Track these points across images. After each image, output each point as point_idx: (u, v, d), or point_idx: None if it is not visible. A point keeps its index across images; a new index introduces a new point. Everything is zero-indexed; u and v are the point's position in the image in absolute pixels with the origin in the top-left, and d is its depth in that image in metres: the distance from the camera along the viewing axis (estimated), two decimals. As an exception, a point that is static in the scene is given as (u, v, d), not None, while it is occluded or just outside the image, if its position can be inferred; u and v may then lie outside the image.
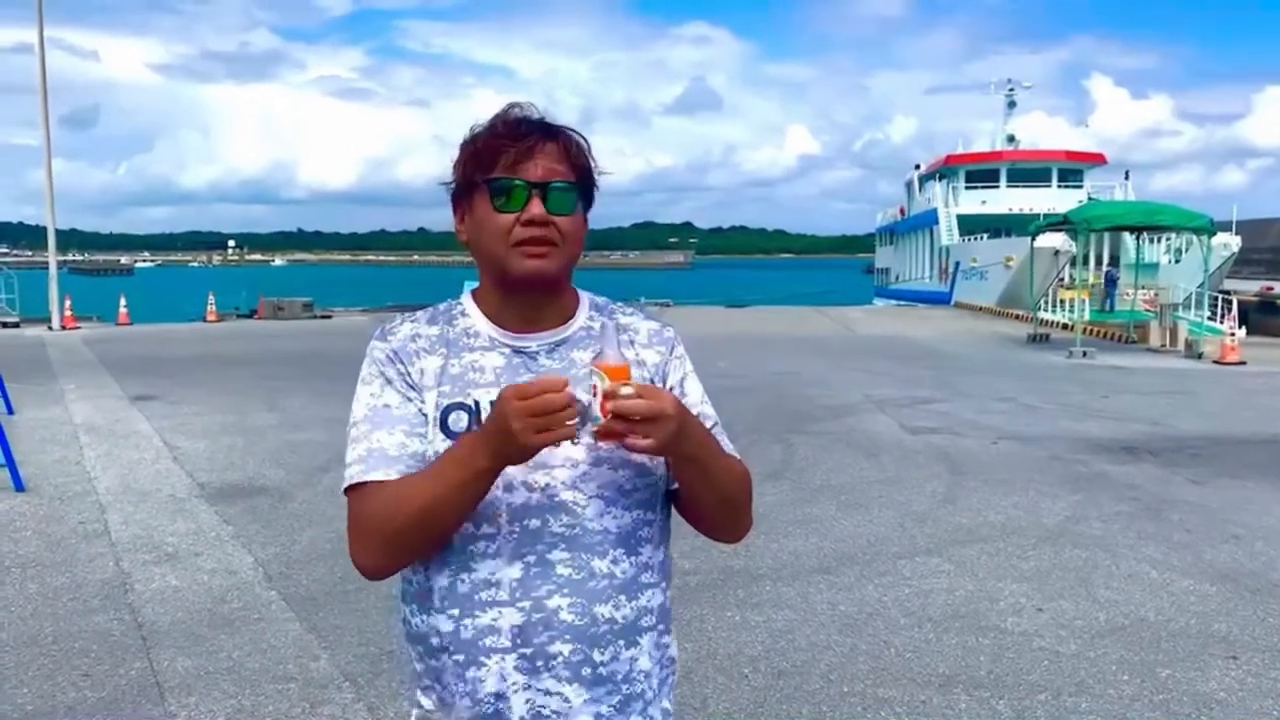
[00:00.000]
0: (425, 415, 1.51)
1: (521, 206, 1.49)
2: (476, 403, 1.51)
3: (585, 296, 1.65)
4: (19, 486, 7.39)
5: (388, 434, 1.50)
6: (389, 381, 1.54)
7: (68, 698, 4.04)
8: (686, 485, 1.55)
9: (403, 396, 1.52)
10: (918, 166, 47.39)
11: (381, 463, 1.48)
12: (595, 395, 1.41)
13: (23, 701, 4.00)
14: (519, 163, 1.49)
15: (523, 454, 1.39)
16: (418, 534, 1.46)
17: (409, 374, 1.54)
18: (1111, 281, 24.70)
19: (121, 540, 6.21)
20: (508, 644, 1.49)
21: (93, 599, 5.18)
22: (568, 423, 1.36)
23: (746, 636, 4.75)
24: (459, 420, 1.51)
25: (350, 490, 1.51)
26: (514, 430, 1.35)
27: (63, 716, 3.89)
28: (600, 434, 1.42)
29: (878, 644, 4.67)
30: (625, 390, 1.39)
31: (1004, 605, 5.20)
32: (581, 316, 1.60)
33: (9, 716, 3.89)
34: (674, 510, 1.64)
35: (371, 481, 1.48)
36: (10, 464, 7.48)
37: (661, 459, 1.55)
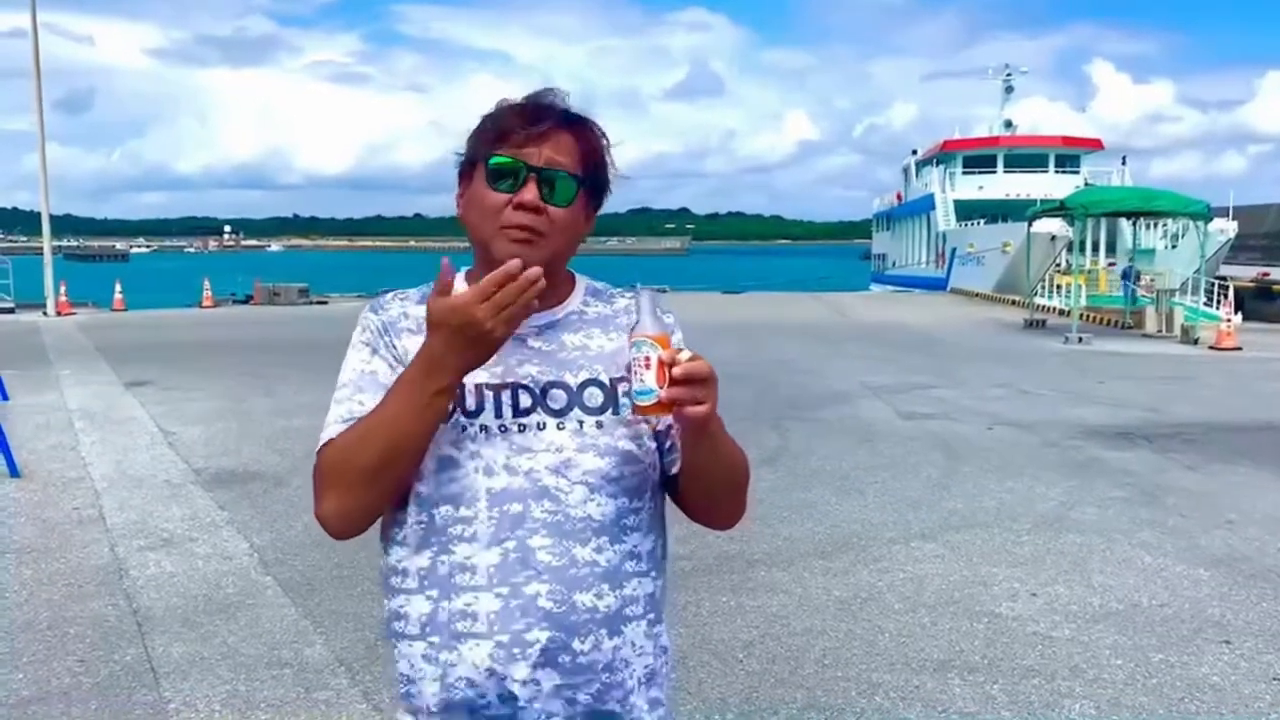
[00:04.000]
0: None
1: (516, 189, 1.47)
2: (461, 385, 1.48)
3: (582, 281, 1.63)
4: (14, 472, 7.38)
5: (372, 398, 1.49)
6: (375, 351, 1.54)
7: (62, 683, 4.04)
8: (697, 465, 1.52)
9: (389, 367, 1.52)
10: (915, 152, 47.25)
11: None
12: (648, 367, 1.36)
13: (17, 687, 4.00)
14: (525, 145, 1.47)
15: (490, 353, 1.40)
16: (378, 469, 1.43)
17: (395, 348, 1.53)
18: (1129, 277, 24.00)
19: (116, 526, 6.21)
20: (484, 630, 1.47)
21: (88, 584, 5.18)
22: (527, 301, 1.36)
23: (741, 622, 4.75)
24: None
25: (323, 447, 1.49)
26: (487, 329, 1.35)
27: (57, 702, 3.89)
28: (664, 403, 1.36)
29: (872, 629, 4.68)
30: (685, 355, 1.36)
31: (998, 590, 5.21)
32: (575, 301, 1.59)
33: (4, 702, 3.89)
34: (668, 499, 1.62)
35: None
36: (5, 450, 7.47)
37: (652, 446, 1.54)
